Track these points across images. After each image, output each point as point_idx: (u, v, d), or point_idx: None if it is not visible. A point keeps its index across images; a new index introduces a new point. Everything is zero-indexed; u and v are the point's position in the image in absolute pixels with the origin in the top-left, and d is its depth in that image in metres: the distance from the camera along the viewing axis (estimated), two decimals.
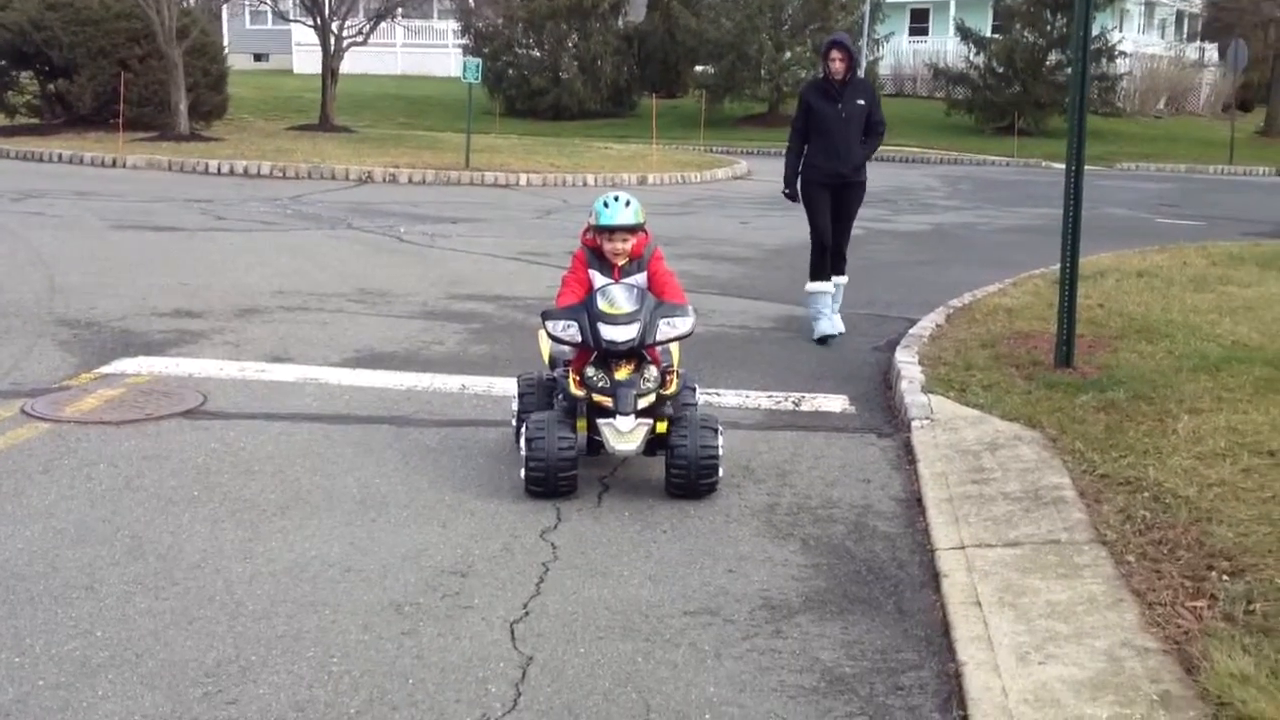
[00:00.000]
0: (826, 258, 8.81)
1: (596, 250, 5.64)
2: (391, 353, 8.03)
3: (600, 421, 5.31)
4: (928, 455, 5.92)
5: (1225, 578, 4.25)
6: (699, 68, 42.59)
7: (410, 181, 20.04)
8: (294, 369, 7.47)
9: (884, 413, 6.93)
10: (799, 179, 8.82)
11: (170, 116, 23.69)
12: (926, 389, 6.88)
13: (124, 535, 4.76)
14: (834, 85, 8.57)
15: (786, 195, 8.93)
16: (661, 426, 5.41)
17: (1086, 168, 7.11)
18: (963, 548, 4.79)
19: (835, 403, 7.11)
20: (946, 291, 10.48)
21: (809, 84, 9.02)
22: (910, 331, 8.41)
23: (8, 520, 4.86)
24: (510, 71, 40.71)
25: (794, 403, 7.07)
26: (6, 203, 15.33)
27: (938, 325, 8.60)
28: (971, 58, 39.57)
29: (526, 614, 4.20)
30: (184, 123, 23.57)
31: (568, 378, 5.46)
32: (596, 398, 5.32)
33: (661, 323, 5.35)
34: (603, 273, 5.61)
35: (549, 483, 5.24)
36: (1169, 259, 11.33)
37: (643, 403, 5.30)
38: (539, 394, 5.90)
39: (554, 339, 5.47)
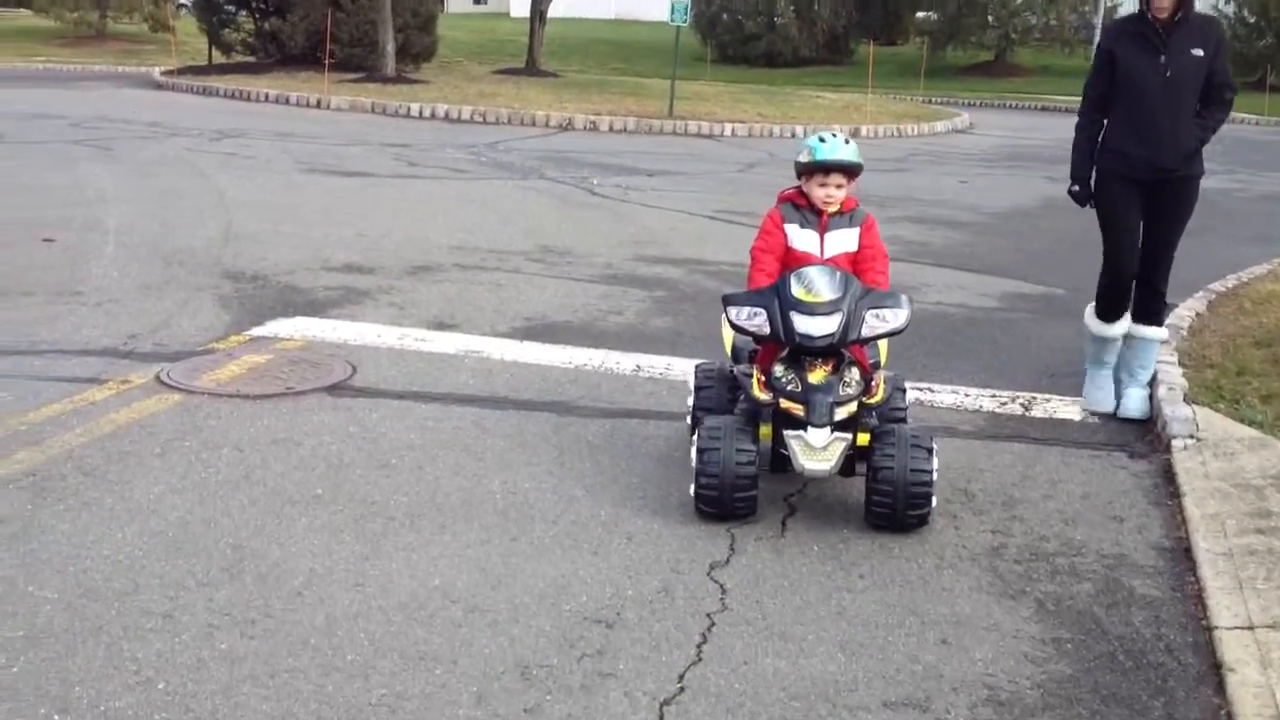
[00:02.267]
0: (1125, 291, 5.97)
1: (798, 204, 4.72)
2: (564, 322, 7.25)
3: (788, 434, 4.36)
4: (1195, 489, 4.79)
5: None
6: (921, 14, 40.62)
7: (611, 129, 19.29)
8: (456, 338, 6.76)
9: (1135, 425, 5.78)
10: (1094, 171, 5.89)
11: (378, 58, 23.51)
12: (1190, 399, 5.70)
13: (226, 544, 4.09)
14: (1154, 28, 5.58)
15: (1074, 195, 5.99)
16: (863, 439, 4.45)
17: None
18: (1251, 628, 3.70)
19: (1073, 408, 5.99)
20: (1204, 271, 9.07)
21: (1115, 25, 6.07)
22: (1166, 322, 7.12)
23: (106, 517, 4.25)
24: (724, 16, 39.58)
25: (1023, 405, 5.98)
26: (205, 142, 15.21)
27: (1198, 315, 7.32)
28: (1221, 6, 36.46)
29: (681, 690, 3.33)
30: (390, 64, 23.37)
31: (751, 376, 4.53)
32: (785, 404, 4.37)
33: (869, 314, 4.36)
34: (804, 226, 4.67)
35: (723, 503, 4.35)
36: None
37: (841, 413, 4.33)
38: (719, 388, 5.01)
39: (737, 329, 4.54)
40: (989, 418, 5.81)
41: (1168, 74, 5.58)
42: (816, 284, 4.38)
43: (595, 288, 8.22)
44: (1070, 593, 4.01)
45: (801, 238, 4.67)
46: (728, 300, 4.51)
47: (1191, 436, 5.29)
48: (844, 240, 4.67)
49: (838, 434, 4.32)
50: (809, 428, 4.30)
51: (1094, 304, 6.06)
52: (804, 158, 4.63)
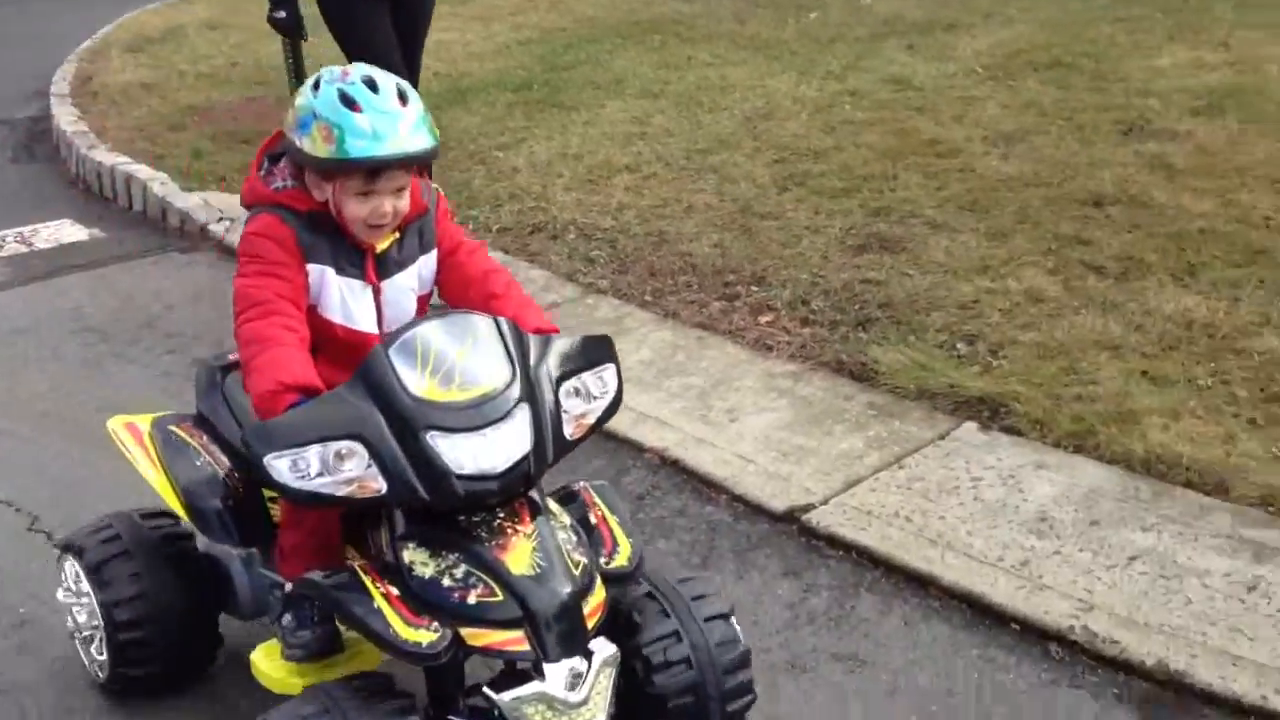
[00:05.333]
0: None
1: (317, 219, 2.20)
2: None
3: (510, 696, 1.95)
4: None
5: (754, 288, 4.33)
6: None
7: None
8: None
9: (146, 228, 5.69)
10: None
11: None
12: (187, 188, 5.79)
13: None
14: None
15: (278, 23, 4.76)
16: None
17: None
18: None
19: (73, 231, 5.65)
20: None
21: None
22: (67, 133, 6.73)
23: None
24: None
25: (23, 243, 5.50)
26: None
27: (79, 118, 7.05)
28: None
29: None
30: None
31: (363, 583, 2.01)
32: (482, 637, 1.97)
33: (569, 385, 2.10)
34: (344, 272, 2.22)
35: None
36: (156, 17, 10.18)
37: (591, 614, 2.05)
38: (160, 571, 2.54)
39: (296, 497, 1.95)
40: None
41: None
42: (450, 356, 1.99)
43: None
44: None
45: (343, 299, 2.24)
46: (262, 435, 1.94)
47: (223, 219, 5.44)
48: (415, 280, 2.32)
49: (603, 654, 2.03)
50: (545, 667, 1.96)
51: None
52: (319, 149, 2.09)
